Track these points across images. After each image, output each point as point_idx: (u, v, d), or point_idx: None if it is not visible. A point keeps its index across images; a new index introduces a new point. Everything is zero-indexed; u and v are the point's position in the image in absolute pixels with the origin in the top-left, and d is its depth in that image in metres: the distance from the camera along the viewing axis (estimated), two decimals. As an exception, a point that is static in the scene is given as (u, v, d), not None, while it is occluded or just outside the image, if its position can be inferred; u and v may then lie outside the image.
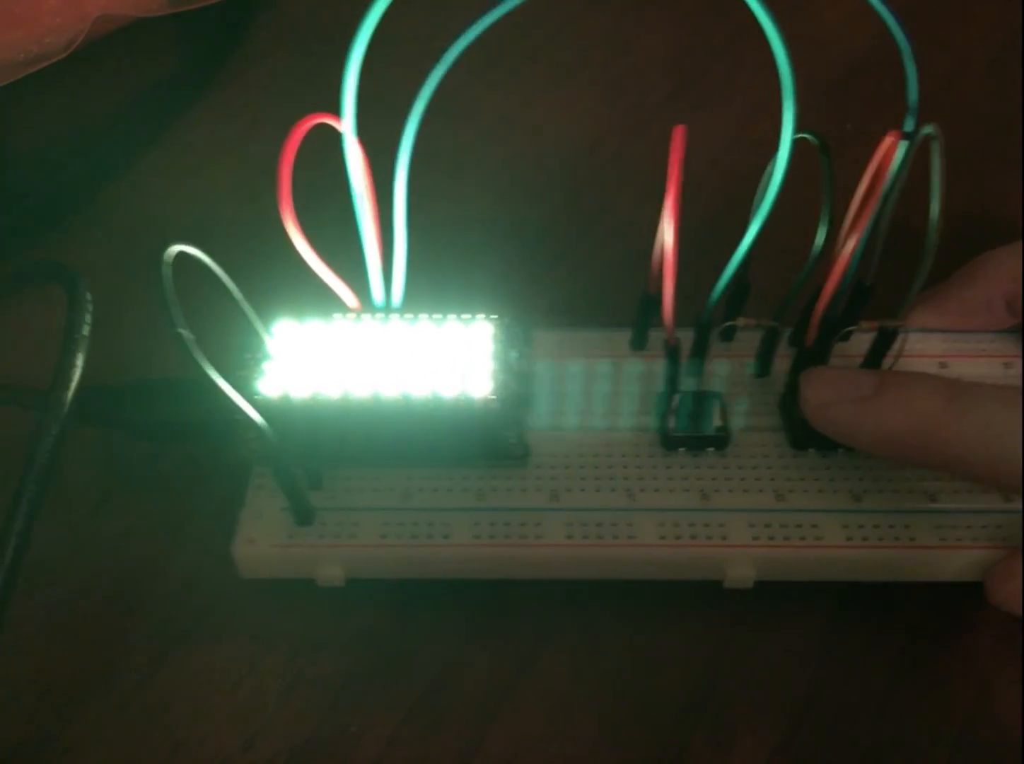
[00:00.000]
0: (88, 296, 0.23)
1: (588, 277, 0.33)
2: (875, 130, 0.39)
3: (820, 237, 0.25)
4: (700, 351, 0.27)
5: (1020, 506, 0.25)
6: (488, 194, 0.36)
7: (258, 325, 0.23)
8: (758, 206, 0.23)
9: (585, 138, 0.38)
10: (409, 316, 0.25)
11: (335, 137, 0.22)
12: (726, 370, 0.28)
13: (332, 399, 0.24)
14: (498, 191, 0.36)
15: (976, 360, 0.29)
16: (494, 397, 0.24)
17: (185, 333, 0.20)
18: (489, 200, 0.36)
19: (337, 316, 0.25)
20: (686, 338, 0.28)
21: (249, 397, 0.23)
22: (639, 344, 0.29)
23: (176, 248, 0.20)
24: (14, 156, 0.36)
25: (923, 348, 0.29)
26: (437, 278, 0.30)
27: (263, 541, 0.24)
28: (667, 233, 0.23)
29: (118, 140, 0.36)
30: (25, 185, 0.34)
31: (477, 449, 0.26)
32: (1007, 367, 0.29)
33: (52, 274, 0.25)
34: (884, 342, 0.27)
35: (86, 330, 0.23)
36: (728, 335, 0.29)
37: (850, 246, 0.23)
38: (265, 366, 0.24)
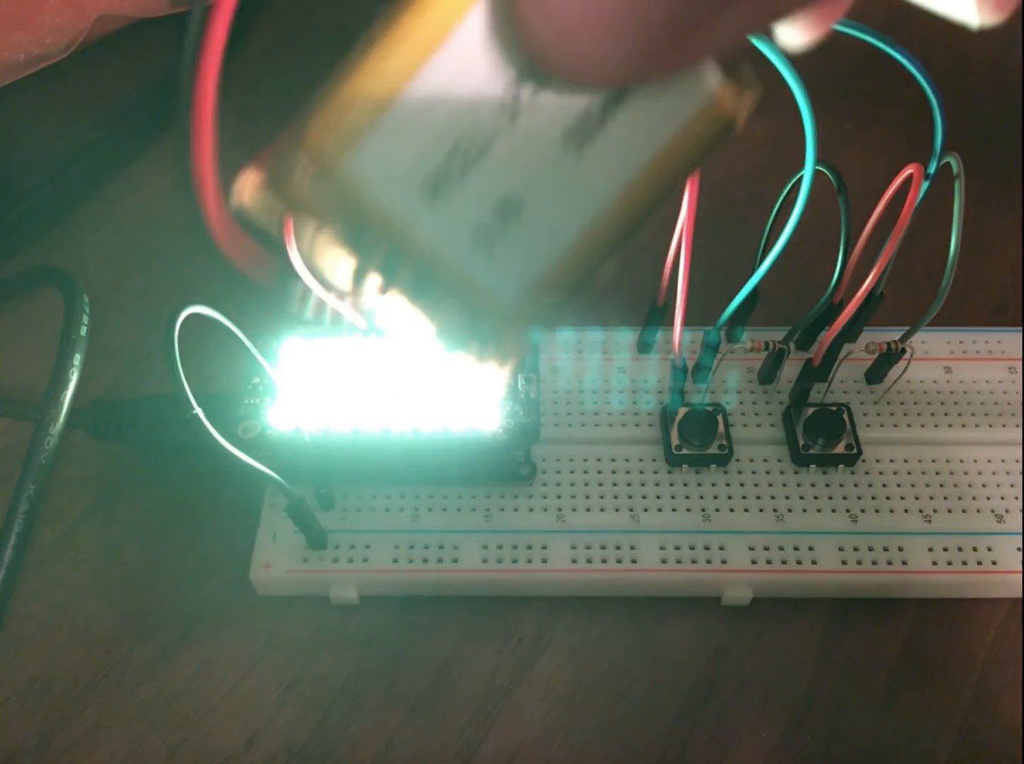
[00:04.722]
0: (85, 298, 0.23)
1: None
2: (875, 129, 0.39)
3: (836, 269, 0.25)
4: (706, 364, 0.27)
5: (1013, 528, 0.25)
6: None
7: (268, 369, 0.23)
8: (770, 230, 0.23)
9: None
10: None
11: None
12: (731, 377, 0.28)
13: (342, 433, 0.24)
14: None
15: (981, 363, 0.29)
16: (502, 431, 0.24)
17: (199, 412, 0.20)
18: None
19: (345, 336, 0.25)
20: (692, 337, 0.28)
21: (260, 429, 0.24)
22: (645, 348, 0.29)
23: (183, 313, 0.20)
24: (14, 156, 0.36)
25: (928, 351, 0.29)
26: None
27: (278, 566, 0.25)
28: (681, 262, 0.23)
29: (118, 140, 0.36)
30: (25, 185, 0.34)
31: (485, 472, 0.26)
32: (1011, 371, 0.29)
33: (48, 278, 0.25)
34: (889, 358, 0.27)
35: (83, 331, 0.23)
36: (735, 336, 0.29)
37: (870, 279, 0.24)
38: (274, 397, 0.24)
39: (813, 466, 0.26)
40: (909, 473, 0.26)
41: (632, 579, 0.25)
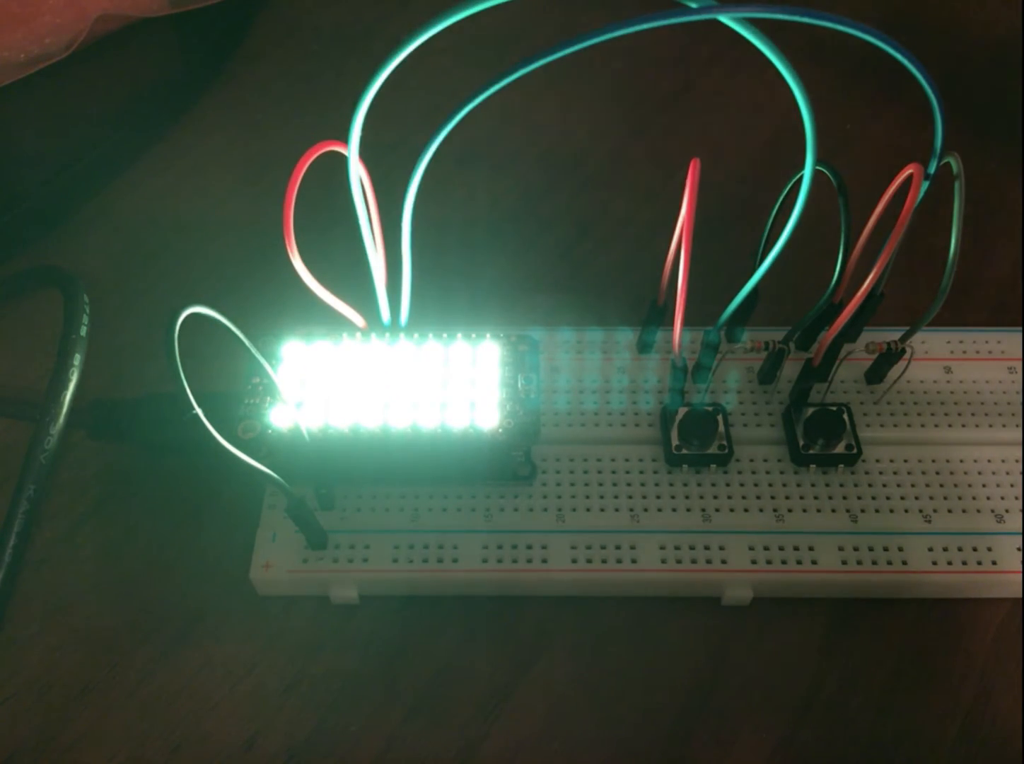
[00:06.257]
0: (85, 298, 0.23)
1: (590, 276, 0.33)
2: (875, 129, 0.39)
3: (836, 269, 0.25)
4: (706, 364, 0.27)
5: (1013, 528, 0.25)
6: (489, 193, 0.36)
7: (268, 369, 0.23)
8: (770, 230, 0.23)
9: (585, 138, 0.38)
10: (416, 336, 0.25)
11: (343, 156, 0.22)
12: (731, 377, 0.28)
13: (342, 430, 0.24)
14: (499, 191, 0.36)
15: (981, 363, 0.29)
16: (501, 430, 0.24)
17: (199, 412, 0.20)
18: (490, 199, 0.36)
19: (345, 336, 0.25)
20: (692, 337, 0.28)
21: (260, 429, 0.24)
22: (645, 348, 0.29)
23: (183, 313, 0.19)
24: (14, 156, 0.36)
25: (928, 351, 0.29)
26: (441, 281, 0.30)
27: (279, 566, 0.25)
28: (680, 262, 0.23)
29: (118, 140, 0.36)
30: (25, 185, 0.34)
31: (485, 472, 0.26)
32: (1011, 371, 0.29)
33: (49, 278, 0.25)
34: (889, 358, 0.27)
35: (83, 331, 0.23)
36: (735, 336, 0.29)
37: (870, 279, 0.24)
38: (274, 397, 0.24)
39: (813, 466, 0.26)
40: (909, 473, 0.26)
41: (632, 579, 0.25)
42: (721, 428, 0.26)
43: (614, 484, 0.26)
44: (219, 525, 0.27)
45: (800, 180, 0.22)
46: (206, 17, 0.40)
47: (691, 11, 0.17)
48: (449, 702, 0.24)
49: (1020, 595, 0.25)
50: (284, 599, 0.25)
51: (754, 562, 0.25)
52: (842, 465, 0.26)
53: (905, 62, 0.19)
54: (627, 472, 0.27)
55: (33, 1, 0.36)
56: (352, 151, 0.21)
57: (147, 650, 0.25)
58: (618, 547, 0.25)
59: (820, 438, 0.26)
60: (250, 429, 0.24)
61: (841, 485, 0.26)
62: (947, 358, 0.29)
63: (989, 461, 0.27)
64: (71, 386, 0.23)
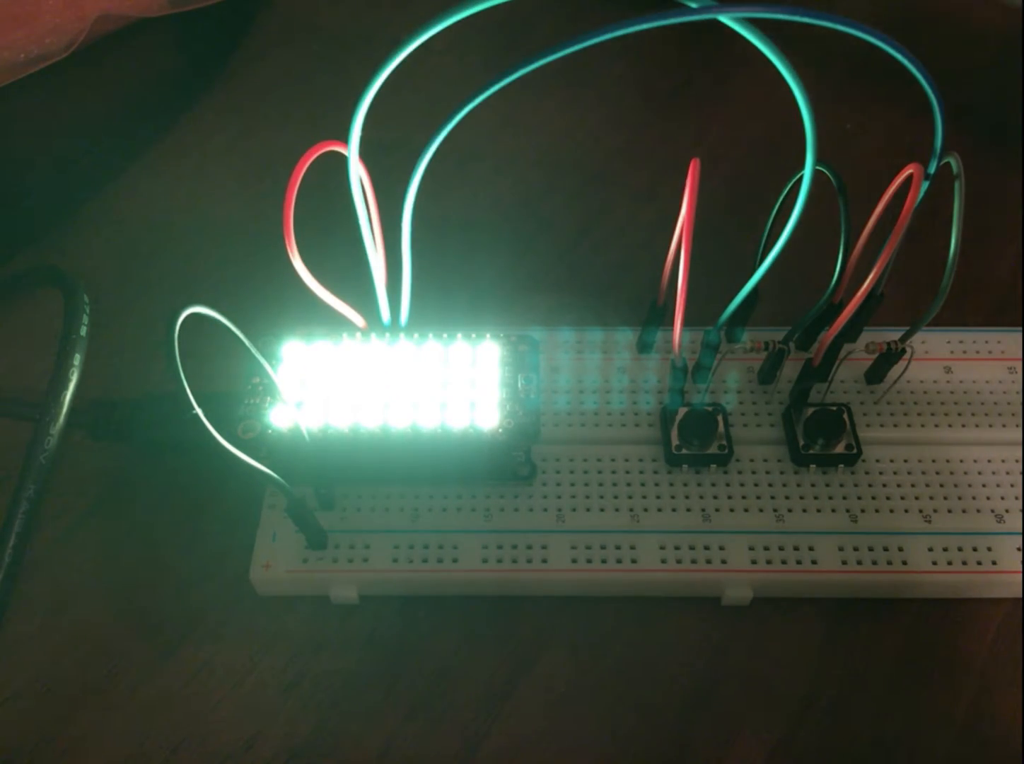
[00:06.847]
0: (85, 298, 0.23)
1: (590, 276, 0.33)
2: (875, 129, 0.39)
3: (836, 269, 0.25)
4: (706, 364, 0.27)
5: (1013, 528, 0.25)
6: (489, 193, 0.36)
7: (269, 369, 0.23)
8: (770, 230, 0.23)
9: (585, 138, 0.38)
10: (416, 336, 0.25)
11: (343, 156, 0.22)
12: (731, 377, 0.28)
13: (342, 430, 0.24)
14: (499, 191, 0.36)
15: (981, 363, 0.29)
16: (501, 430, 0.24)
17: (199, 412, 0.20)
18: (490, 199, 0.36)
19: (345, 336, 0.25)
20: (692, 337, 0.28)
21: (260, 429, 0.24)
22: (645, 348, 0.29)
23: (183, 313, 0.20)
24: (14, 156, 0.36)
25: (928, 351, 0.29)
26: (441, 281, 0.30)
27: (278, 566, 0.25)
28: (680, 262, 0.23)
29: (118, 140, 0.36)
30: (25, 185, 0.34)
31: (485, 472, 0.26)
32: (1011, 371, 0.29)
33: (49, 278, 0.25)
34: (889, 358, 0.27)
35: (83, 331, 0.23)
36: (735, 336, 0.29)
37: (870, 279, 0.24)
38: (274, 397, 0.24)
39: (813, 466, 0.26)
40: (909, 473, 0.27)
41: (632, 579, 0.25)
42: (721, 428, 0.26)
43: (614, 484, 0.26)
44: (219, 525, 0.27)
45: (800, 180, 0.22)
46: (206, 17, 0.40)
47: (691, 11, 0.17)
48: (449, 702, 0.24)
49: (1020, 595, 0.25)
50: (284, 599, 0.25)
51: (754, 562, 0.25)
52: (842, 465, 0.26)
53: (905, 62, 0.19)
54: (627, 472, 0.27)
55: (33, 1, 0.36)
56: (352, 151, 0.21)
57: (147, 650, 0.25)
58: (618, 547, 0.25)
59: (820, 438, 0.26)
60: (250, 429, 0.24)
61: (841, 485, 0.26)
62: (947, 358, 0.29)
63: (989, 461, 0.27)
64: (71, 386, 0.23)
